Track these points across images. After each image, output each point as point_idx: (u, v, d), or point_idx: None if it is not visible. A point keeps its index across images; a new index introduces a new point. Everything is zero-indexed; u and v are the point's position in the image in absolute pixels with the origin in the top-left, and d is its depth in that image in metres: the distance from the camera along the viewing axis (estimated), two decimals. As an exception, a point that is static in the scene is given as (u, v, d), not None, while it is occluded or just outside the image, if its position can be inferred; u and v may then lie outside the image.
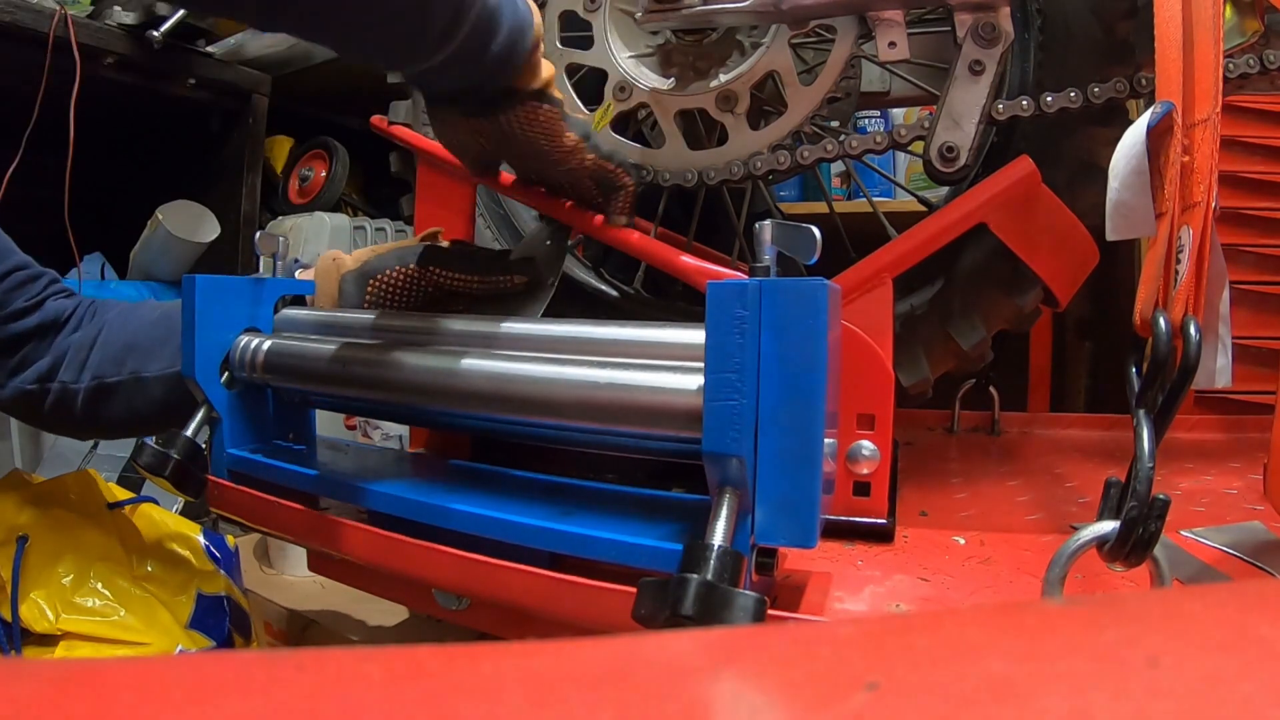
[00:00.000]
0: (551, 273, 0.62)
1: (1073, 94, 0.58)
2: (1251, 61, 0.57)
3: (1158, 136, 0.44)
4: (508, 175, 0.65)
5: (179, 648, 0.73)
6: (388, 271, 0.59)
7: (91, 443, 1.17)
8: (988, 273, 0.64)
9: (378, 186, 1.75)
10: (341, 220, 1.41)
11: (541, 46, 0.53)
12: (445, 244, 0.63)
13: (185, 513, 0.90)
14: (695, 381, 0.38)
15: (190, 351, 0.56)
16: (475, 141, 0.56)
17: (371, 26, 0.46)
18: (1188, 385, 0.39)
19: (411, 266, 0.59)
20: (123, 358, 0.68)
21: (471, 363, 0.47)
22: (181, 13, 1.27)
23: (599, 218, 0.61)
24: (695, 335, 0.41)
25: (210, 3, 0.49)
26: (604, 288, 0.79)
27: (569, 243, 0.66)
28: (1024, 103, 0.58)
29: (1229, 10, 0.58)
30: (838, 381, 0.37)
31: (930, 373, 0.66)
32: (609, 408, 0.41)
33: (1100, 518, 0.38)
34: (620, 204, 0.60)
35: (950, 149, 0.58)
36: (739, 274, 0.53)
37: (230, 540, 0.86)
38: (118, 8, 1.26)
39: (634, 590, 0.35)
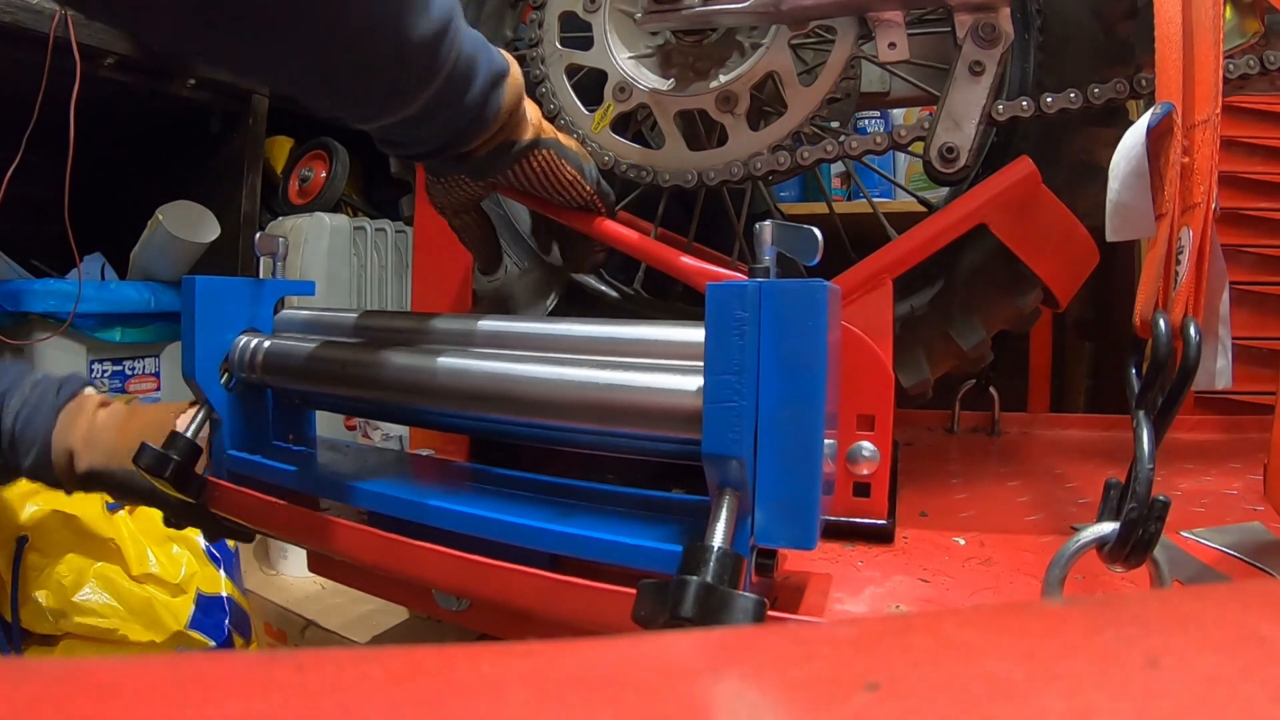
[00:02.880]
0: (558, 279, 0.62)
1: (1073, 95, 0.58)
2: (1251, 62, 0.57)
3: (1158, 137, 0.44)
4: None
5: (179, 648, 0.73)
6: None
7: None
8: (988, 273, 0.64)
9: (378, 187, 1.75)
10: (341, 221, 1.41)
11: (524, 98, 0.54)
12: None
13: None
14: (695, 383, 0.38)
15: (190, 352, 0.56)
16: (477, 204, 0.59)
17: (348, 76, 0.45)
18: (1188, 386, 0.39)
19: None
20: None
21: (471, 363, 0.47)
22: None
23: (597, 219, 0.61)
24: (695, 334, 0.41)
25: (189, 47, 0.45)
26: (604, 288, 0.79)
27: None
28: (1024, 103, 0.58)
29: (1229, 11, 0.58)
30: (838, 382, 0.37)
31: (930, 373, 0.66)
32: (609, 409, 0.41)
33: (1100, 519, 0.38)
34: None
35: (950, 150, 0.58)
36: (739, 275, 0.53)
37: (230, 540, 0.86)
38: (118, 8, 1.26)
39: (633, 591, 0.35)
